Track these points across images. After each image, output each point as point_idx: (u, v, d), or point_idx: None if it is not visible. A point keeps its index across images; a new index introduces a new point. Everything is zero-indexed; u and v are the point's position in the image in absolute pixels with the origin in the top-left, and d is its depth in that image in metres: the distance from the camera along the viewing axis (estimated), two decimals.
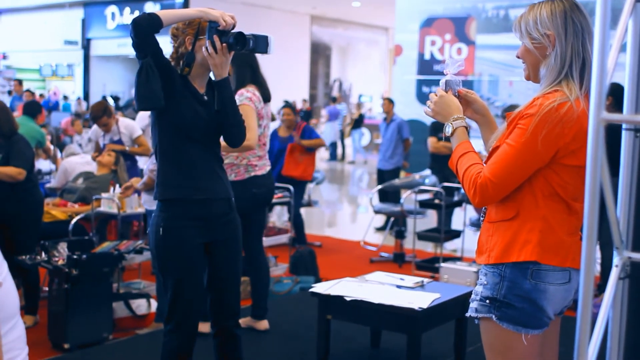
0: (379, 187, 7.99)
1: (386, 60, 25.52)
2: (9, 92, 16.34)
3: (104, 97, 16.01)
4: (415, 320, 3.63)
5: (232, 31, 2.82)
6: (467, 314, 2.18)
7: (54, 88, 21.98)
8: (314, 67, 23.62)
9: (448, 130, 2.20)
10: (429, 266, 6.34)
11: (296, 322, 4.92)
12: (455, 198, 6.86)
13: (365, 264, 6.86)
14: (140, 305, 4.88)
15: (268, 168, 4.57)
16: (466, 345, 4.09)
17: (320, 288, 3.95)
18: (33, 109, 7.16)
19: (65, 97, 21.43)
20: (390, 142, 8.69)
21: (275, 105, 15.38)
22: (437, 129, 7.43)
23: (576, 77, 2.04)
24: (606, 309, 1.75)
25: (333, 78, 24.74)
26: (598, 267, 5.41)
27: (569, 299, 2.13)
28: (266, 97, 4.47)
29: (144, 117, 7.00)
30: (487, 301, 2.09)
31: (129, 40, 2.79)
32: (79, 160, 6.49)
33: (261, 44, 2.84)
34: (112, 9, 20.36)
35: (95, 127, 6.53)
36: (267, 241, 6.36)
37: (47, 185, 6.75)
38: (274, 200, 6.51)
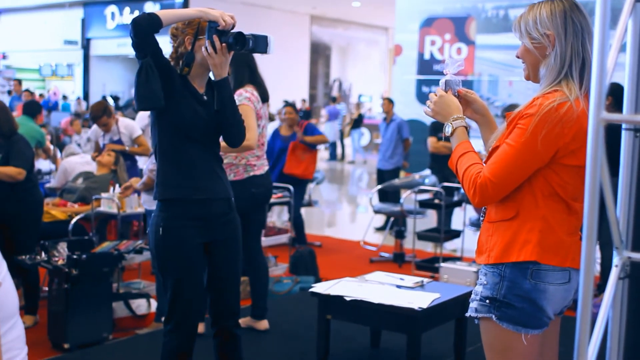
0: (379, 187, 7.99)
1: (386, 60, 25.52)
2: (9, 92, 16.34)
3: (104, 97, 16.02)
4: (415, 320, 3.63)
5: (232, 31, 2.82)
6: (467, 314, 2.18)
7: (54, 88, 21.99)
8: (313, 67, 23.63)
9: (448, 130, 2.20)
10: (428, 266, 6.34)
11: (296, 322, 4.92)
12: (455, 198, 6.86)
13: (365, 264, 6.86)
14: (140, 305, 4.88)
15: (266, 168, 4.57)
16: (466, 345, 4.09)
17: (320, 288, 3.95)
18: (33, 108, 7.16)
19: (65, 97, 21.43)
20: (390, 142, 8.69)
21: (275, 105, 15.37)
22: (437, 128, 7.43)
23: (576, 77, 2.04)
24: (606, 309, 1.75)
25: (333, 78, 24.75)
26: (598, 267, 5.41)
27: (568, 299, 2.13)
28: (264, 97, 4.47)
29: (144, 117, 7.00)
30: (487, 301, 2.09)
31: (129, 40, 2.79)
32: (78, 160, 6.49)
33: (261, 44, 2.84)
34: (112, 8, 20.37)
35: (95, 127, 6.53)
36: (267, 241, 6.36)
37: (47, 185, 6.76)
38: (274, 200, 6.52)
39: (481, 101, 2.32)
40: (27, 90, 16.25)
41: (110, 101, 15.76)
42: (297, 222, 7.26)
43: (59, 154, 9.18)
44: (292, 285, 5.70)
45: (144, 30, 2.70)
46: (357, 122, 18.65)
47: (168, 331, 2.94)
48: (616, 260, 1.90)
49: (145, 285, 5.42)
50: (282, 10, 20.95)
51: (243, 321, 4.39)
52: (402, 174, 9.31)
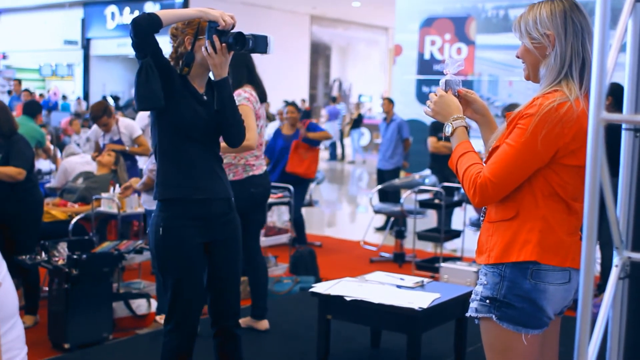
0: (379, 187, 7.99)
1: (386, 60, 25.52)
2: (9, 92, 16.34)
3: (104, 97, 16.02)
4: (415, 320, 3.63)
5: (232, 31, 2.82)
6: (467, 314, 2.18)
7: (54, 88, 21.99)
8: (313, 67, 23.63)
9: (448, 130, 2.20)
10: (429, 266, 6.34)
11: (296, 322, 4.92)
12: (455, 198, 6.86)
13: (365, 264, 6.86)
14: (140, 305, 4.88)
15: (264, 168, 4.58)
16: (466, 345, 4.09)
17: (320, 288, 3.96)
18: (33, 108, 7.16)
19: (64, 97, 21.43)
20: (390, 142, 8.68)
21: (275, 105, 15.33)
22: (437, 128, 7.43)
23: (576, 77, 2.04)
24: (606, 309, 1.75)
25: (333, 78, 24.75)
26: (598, 267, 5.41)
27: (568, 299, 2.13)
28: (263, 98, 4.47)
29: (144, 116, 6.99)
30: (487, 301, 2.09)
31: (129, 40, 2.79)
32: (78, 160, 6.49)
33: (261, 44, 2.83)
34: (112, 8, 20.37)
35: (95, 127, 6.53)
36: (267, 241, 6.36)
37: (47, 185, 6.75)
38: (274, 200, 6.52)
39: (481, 101, 2.32)
40: (26, 90, 16.24)
41: (111, 101, 15.76)
42: (297, 222, 7.26)
43: (59, 154, 9.18)
44: (292, 285, 5.70)
45: (144, 30, 2.71)
46: (357, 122, 18.65)
47: (168, 331, 2.94)
48: (616, 260, 1.90)
49: (145, 285, 5.42)
50: (282, 10, 20.95)
51: (243, 321, 4.40)
52: (402, 174, 9.31)
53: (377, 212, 7.62)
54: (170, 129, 2.88)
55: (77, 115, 14.73)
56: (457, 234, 6.92)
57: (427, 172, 8.03)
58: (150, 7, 18.99)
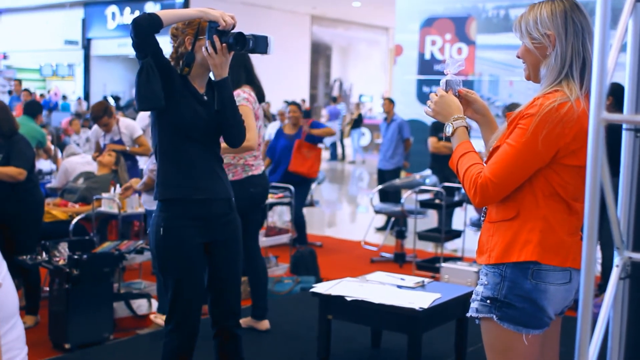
0: (380, 187, 7.99)
1: (386, 60, 25.52)
2: (9, 92, 16.33)
3: (105, 97, 16.02)
4: (416, 320, 3.63)
5: (232, 31, 2.82)
6: (468, 314, 2.17)
7: (55, 88, 22.00)
8: (314, 67, 23.63)
9: (448, 130, 2.20)
10: (429, 266, 6.34)
11: (297, 322, 4.92)
12: (456, 198, 6.86)
13: (366, 264, 6.86)
14: (140, 305, 4.88)
15: (263, 168, 4.59)
16: (467, 346, 4.09)
17: (321, 288, 3.95)
18: (33, 109, 7.16)
19: (65, 97, 21.44)
20: (390, 142, 8.68)
21: (276, 105, 15.28)
22: (437, 129, 7.43)
23: (576, 77, 2.04)
24: (607, 309, 1.75)
25: (333, 78, 24.75)
26: (599, 267, 5.40)
27: (569, 299, 2.13)
28: (261, 98, 4.48)
29: (145, 117, 6.99)
30: (488, 301, 2.09)
31: (129, 40, 2.79)
32: (79, 160, 6.49)
33: (261, 44, 2.83)
34: (113, 8, 20.37)
35: (95, 127, 6.53)
36: (267, 241, 6.36)
37: (48, 185, 6.76)
38: (275, 200, 6.52)
39: (482, 101, 2.32)
40: (26, 90, 16.24)
41: (111, 101, 15.76)
42: (299, 222, 7.26)
43: (59, 154, 9.18)
44: (293, 285, 5.70)
45: (144, 31, 2.71)
46: (357, 122, 18.65)
47: (169, 331, 2.94)
48: (617, 260, 1.90)
49: (146, 285, 5.42)
50: (283, 10, 20.95)
51: (244, 321, 4.39)
52: (402, 174, 9.31)
53: (377, 212, 7.62)
54: (171, 129, 2.88)
55: (78, 116, 14.73)
56: (457, 234, 6.92)
57: (428, 172, 8.03)
58: (150, 7, 18.99)
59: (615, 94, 3.71)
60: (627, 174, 2.12)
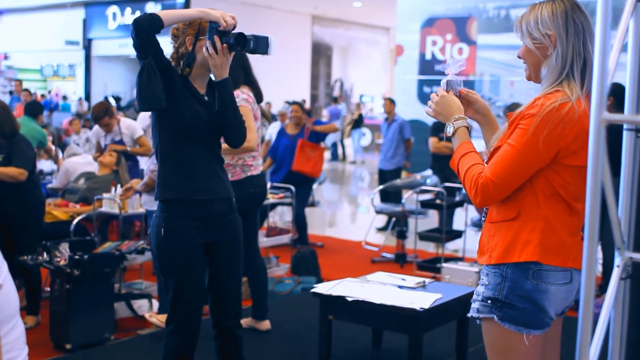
0: (381, 187, 7.99)
1: (387, 60, 25.51)
2: (10, 93, 16.35)
3: (106, 98, 16.03)
4: (416, 320, 3.63)
5: (233, 32, 2.82)
6: (469, 315, 2.17)
7: (56, 89, 22.00)
8: (315, 67, 23.62)
9: (449, 130, 2.20)
10: (430, 266, 6.33)
11: (298, 322, 4.92)
12: (457, 198, 6.86)
13: (367, 264, 6.86)
14: (141, 306, 4.88)
15: (261, 168, 4.60)
16: (468, 346, 4.09)
17: (321, 288, 3.95)
18: (34, 109, 7.16)
19: (65, 97, 21.44)
20: (391, 142, 8.68)
21: (277, 106, 15.27)
22: (438, 129, 7.43)
23: (577, 77, 2.04)
24: (608, 309, 1.75)
25: (334, 78, 24.75)
26: (600, 268, 5.40)
27: (570, 299, 2.13)
28: (259, 98, 4.48)
29: (146, 117, 6.99)
30: (489, 301, 2.09)
31: (130, 41, 2.79)
32: (80, 161, 6.50)
33: (262, 44, 2.84)
34: (113, 9, 20.37)
35: (96, 127, 6.53)
36: (268, 241, 6.36)
37: (49, 186, 6.76)
38: (277, 201, 6.52)
39: (482, 101, 2.32)
40: (25, 90, 16.25)
41: (112, 102, 15.77)
42: (300, 222, 7.25)
43: (60, 155, 9.19)
44: (294, 285, 5.70)
45: (145, 31, 2.71)
46: (358, 123, 18.65)
47: (170, 331, 2.94)
48: (618, 260, 1.90)
49: (147, 285, 5.43)
50: (283, 10, 20.95)
51: (245, 322, 4.40)
52: (403, 174, 9.32)
53: (378, 212, 7.62)
54: (171, 130, 2.88)
55: (79, 116, 14.73)
56: (458, 234, 6.92)
57: (429, 172, 8.03)
58: (151, 8, 18.99)
59: (616, 94, 3.71)
60: (628, 174, 2.12)
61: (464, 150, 2.15)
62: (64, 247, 4.61)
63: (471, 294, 2.23)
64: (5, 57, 21.88)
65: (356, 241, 8.04)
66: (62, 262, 4.38)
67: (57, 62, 22.51)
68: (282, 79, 18.92)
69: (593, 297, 1.57)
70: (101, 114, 6.19)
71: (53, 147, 8.51)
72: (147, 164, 4.82)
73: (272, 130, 9.14)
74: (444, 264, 5.85)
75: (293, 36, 20.90)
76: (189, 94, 2.88)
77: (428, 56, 12.68)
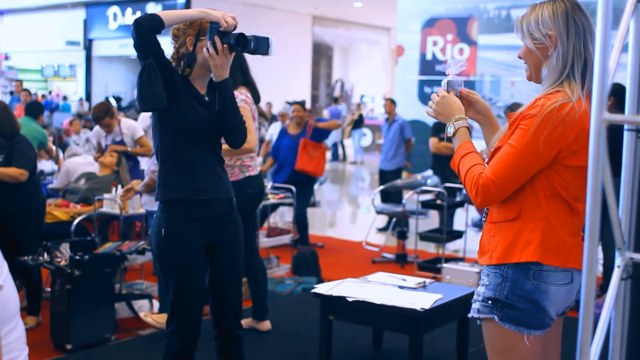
0: (381, 187, 7.99)
1: (388, 60, 25.51)
2: (11, 93, 16.35)
3: (106, 98, 16.04)
4: (417, 320, 3.63)
5: (234, 32, 2.82)
6: (470, 315, 2.17)
7: (57, 89, 22.00)
8: (315, 67, 23.62)
9: (450, 130, 2.20)
10: (431, 267, 6.33)
11: (298, 322, 4.92)
12: (457, 198, 6.86)
13: (368, 265, 6.86)
14: (142, 306, 4.88)
15: (259, 169, 4.60)
16: (468, 346, 4.09)
17: (322, 289, 3.96)
18: (35, 109, 7.17)
19: (65, 98, 21.44)
20: (392, 142, 8.68)
21: (277, 106, 15.27)
22: (439, 129, 7.43)
23: (578, 77, 2.04)
24: (608, 310, 1.75)
25: (335, 78, 24.74)
26: (601, 268, 5.40)
27: (571, 300, 2.12)
28: (257, 99, 4.48)
29: (146, 117, 6.98)
30: (490, 302, 2.09)
31: (131, 41, 2.79)
32: (81, 161, 6.50)
33: (262, 45, 2.84)
34: (114, 9, 20.37)
35: (97, 127, 6.53)
36: (269, 242, 6.36)
37: (50, 186, 6.76)
38: (277, 201, 6.52)
39: (483, 102, 2.32)
40: (25, 90, 16.26)
41: (113, 102, 15.77)
42: (301, 222, 7.25)
43: (61, 155, 9.19)
44: (295, 286, 5.70)
45: (146, 31, 2.71)
46: (358, 123, 18.65)
47: (170, 332, 2.94)
48: (618, 261, 1.90)
49: (147, 286, 5.43)
50: (283, 10, 20.94)
51: (245, 322, 4.40)
52: (404, 174, 9.32)
53: (379, 212, 7.62)
54: (172, 130, 2.88)
55: (80, 116, 14.73)
56: (459, 234, 6.92)
57: (429, 172, 8.03)
58: (152, 8, 18.99)
59: (617, 95, 3.71)
60: (629, 174, 2.12)
61: (464, 150, 2.15)
62: (65, 248, 4.61)
63: (472, 294, 2.23)
64: (6, 58, 21.89)
65: (357, 241, 8.04)
66: (63, 263, 4.38)
67: (58, 62, 22.51)
68: (282, 80, 18.92)
69: (594, 297, 1.57)
70: (102, 115, 6.19)
71: (54, 148, 8.51)
72: (148, 165, 4.82)
73: (272, 131, 9.14)
74: (445, 265, 5.85)
75: (293, 36, 20.90)
76: (190, 95, 2.88)
77: (429, 56, 12.67)
